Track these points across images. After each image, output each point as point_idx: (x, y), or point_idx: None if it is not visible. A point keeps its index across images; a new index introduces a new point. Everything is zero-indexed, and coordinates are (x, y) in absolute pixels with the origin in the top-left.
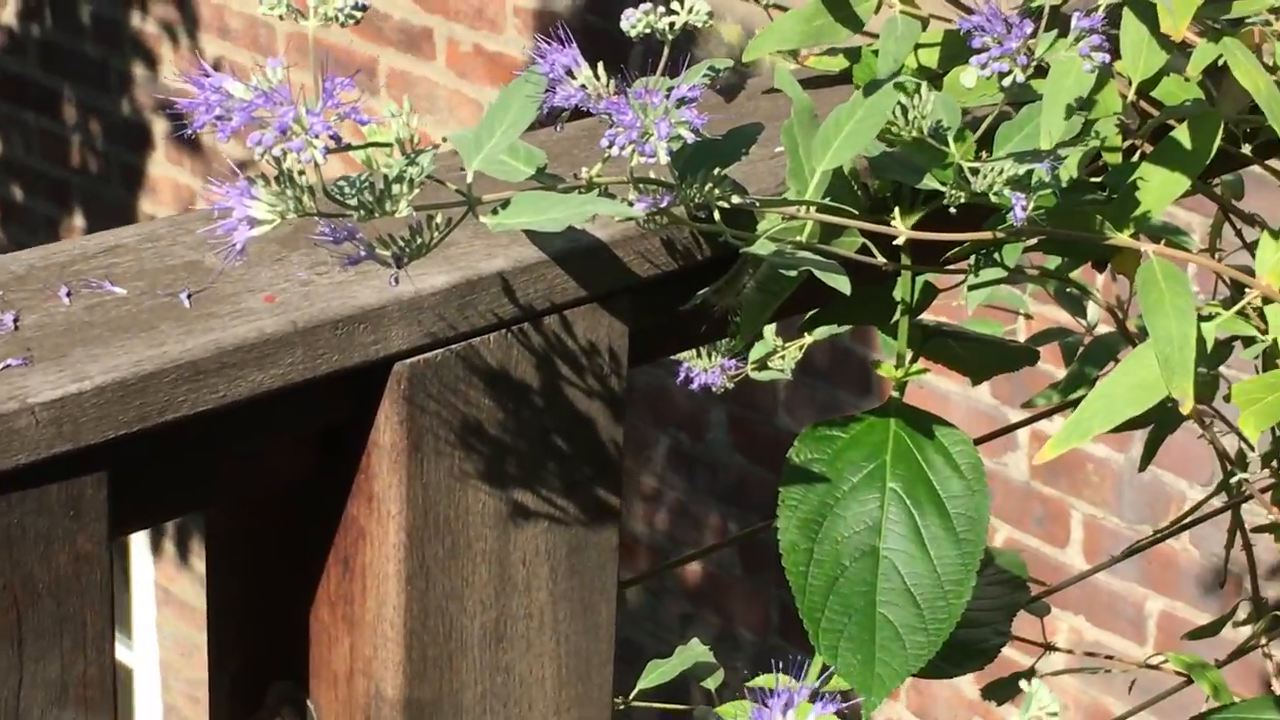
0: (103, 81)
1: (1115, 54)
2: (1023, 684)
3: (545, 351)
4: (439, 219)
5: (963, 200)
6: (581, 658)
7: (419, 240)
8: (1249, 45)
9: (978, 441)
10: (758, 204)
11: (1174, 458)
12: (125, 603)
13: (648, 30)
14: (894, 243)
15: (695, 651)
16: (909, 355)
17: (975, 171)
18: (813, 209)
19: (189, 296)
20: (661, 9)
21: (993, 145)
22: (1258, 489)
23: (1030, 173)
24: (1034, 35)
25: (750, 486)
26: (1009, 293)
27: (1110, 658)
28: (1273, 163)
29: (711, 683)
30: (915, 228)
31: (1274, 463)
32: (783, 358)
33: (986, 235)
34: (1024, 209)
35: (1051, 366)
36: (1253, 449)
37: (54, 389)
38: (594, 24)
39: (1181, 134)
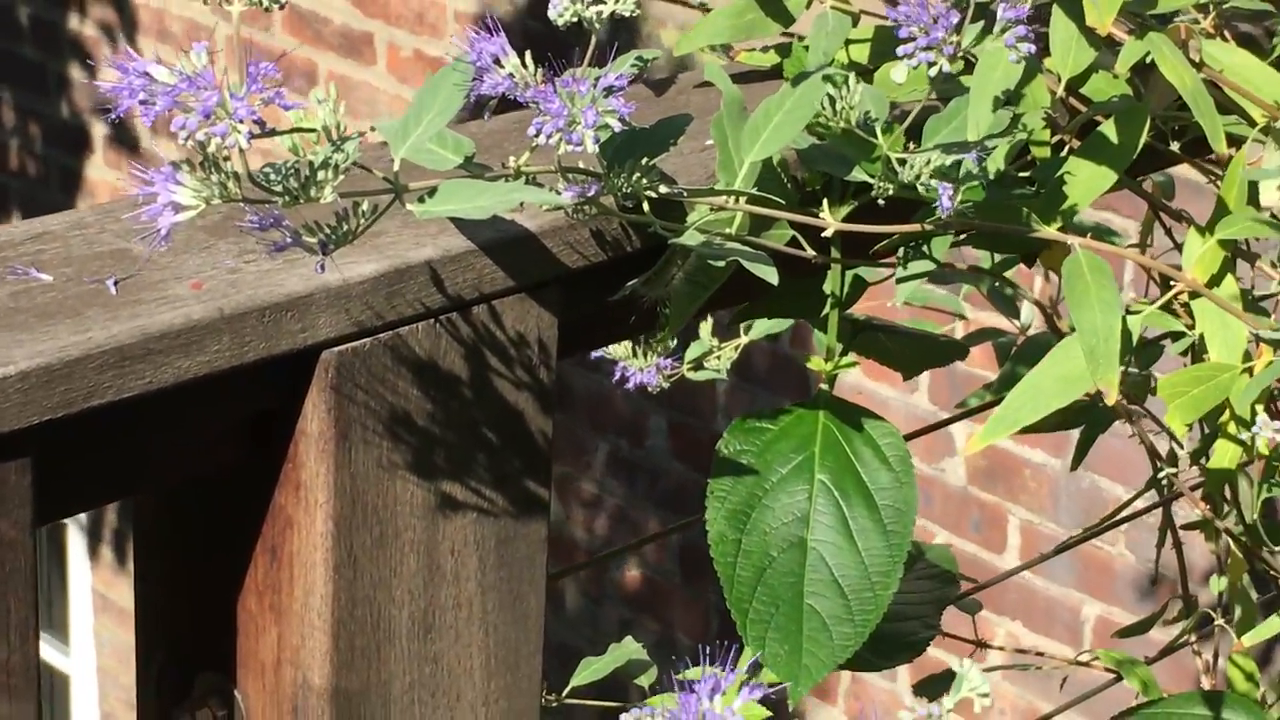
0: (41, 84)
1: (1045, 51)
2: (955, 665)
3: (474, 342)
4: (365, 206)
5: (890, 192)
6: (510, 648)
7: (345, 227)
8: (1175, 42)
9: (908, 438)
10: (685, 193)
11: (1111, 463)
12: (62, 609)
13: (575, 19)
14: (823, 234)
15: (628, 649)
16: (839, 349)
17: (903, 162)
18: (741, 200)
19: (116, 283)
20: None
21: (921, 138)
22: (1188, 486)
23: (958, 164)
24: (960, 26)
25: (690, 493)
26: (944, 295)
27: (1041, 654)
28: (1201, 161)
29: (645, 680)
30: (845, 221)
31: (1203, 460)
32: (718, 358)
33: (915, 227)
34: (951, 199)
35: (990, 373)
36: (1181, 446)
37: None
38: (535, 29)
39: (1109, 128)
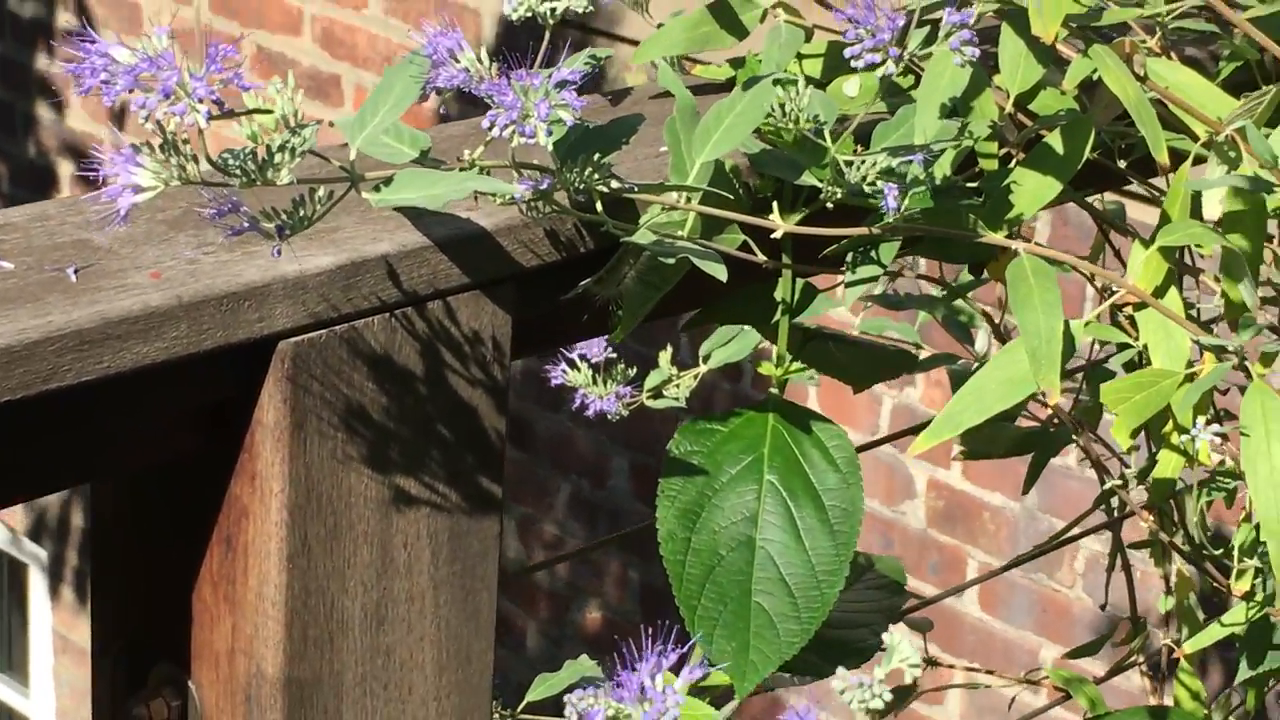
0: (8, 124)
1: (994, 69)
2: (884, 637)
3: (429, 337)
4: (322, 193)
5: (839, 195)
6: (462, 643)
7: (301, 213)
8: (1121, 56)
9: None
10: (636, 188)
11: (1069, 504)
12: (22, 650)
13: (529, 14)
14: (773, 236)
15: (582, 666)
16: (788, 358)
17: (850, 164)
18: (694, 200)
19: (76, 272)
20: None
21: (870, 145)
22: (1138, 505)
23: (905, 166)
24: (906, 30)
25: (651, 534)
26: (901, 325)
27: (991, 672)
28: (1147, 182)
29: None
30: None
31: (1148, 479)
32: (677, 386)
33: (863, 230)
34: (896, 200)
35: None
36: (1128, 466)
37: None
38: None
39: (1054, 139)
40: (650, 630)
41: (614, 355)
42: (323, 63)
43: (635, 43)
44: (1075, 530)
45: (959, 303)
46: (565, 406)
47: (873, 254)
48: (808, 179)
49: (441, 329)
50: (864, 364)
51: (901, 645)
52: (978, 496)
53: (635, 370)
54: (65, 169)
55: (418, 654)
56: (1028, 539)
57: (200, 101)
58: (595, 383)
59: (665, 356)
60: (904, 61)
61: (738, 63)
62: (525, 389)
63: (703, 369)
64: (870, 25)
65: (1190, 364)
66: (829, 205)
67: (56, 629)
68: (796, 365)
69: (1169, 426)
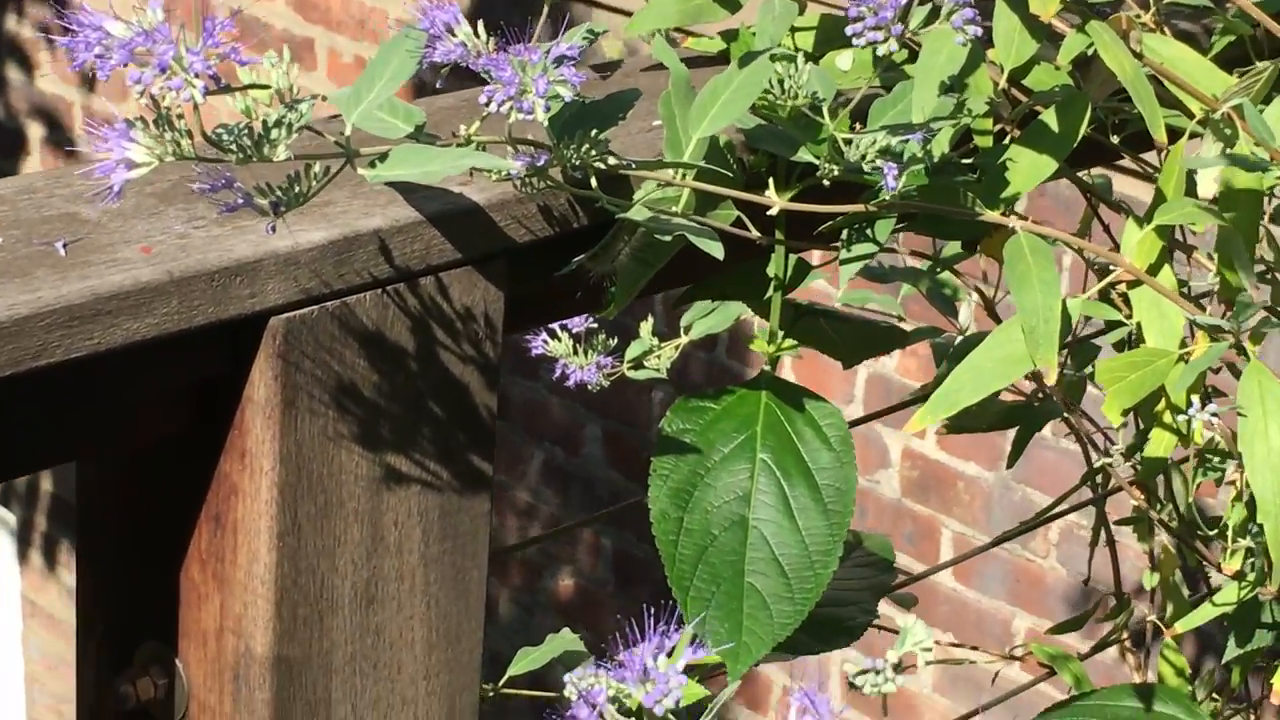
0: None
1: (989, 43)
2: (900, 620)
3: (420, 314)
4: (317, 168)
5: (835, 173)
6: (451, 622)
7: (296, 189)
8: (1116, 32)
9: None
10: (633, 164)
11: (1045, 475)
12: None
13: None
14: (769, 213)
15: (565, 640)
16: (780, 334)
17: (849, 143)
18: (688, 176)
19: (65, 246)
20: None
21: (866, 122)
22: (1126, 481)
23: (903, 145)
24: (908, 7)
25: (628, 506)
26: (883, 297)
27: (975, 648)
28: (1140, 158)
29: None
30: (790, 203)
31: (1137, 455)
32: (658, 357)
33: (859, 208)
34: (896, 179)
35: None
36: (1114, 443)
37: None
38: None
39: (1049, 117)
40: (652, 610)
41: (594, 325)
42: (296, 26)
43: (615, 10)
44: (1062, 506)
45: (944, 275)
46: (539, 374)
47: (868, 231)
48: (803, 155)
49: (434, 305)
50: (855, 340)
51: (915, 628)
52: (952, 466)
53: (615, 341)
54: (35, 131)
55: (407, 633)
56: (1002, 509)
57: (197, 76)
58: (576, 353)
59: (646, 327)
60: (904, 41)
61: (730, 35)
62: None
63: (684, 340)
64: (873, 4)
65: (1183, 343)
66: (825, 182)
67: (25, 593)
68: (789, 342)
69: (1161, 405)
